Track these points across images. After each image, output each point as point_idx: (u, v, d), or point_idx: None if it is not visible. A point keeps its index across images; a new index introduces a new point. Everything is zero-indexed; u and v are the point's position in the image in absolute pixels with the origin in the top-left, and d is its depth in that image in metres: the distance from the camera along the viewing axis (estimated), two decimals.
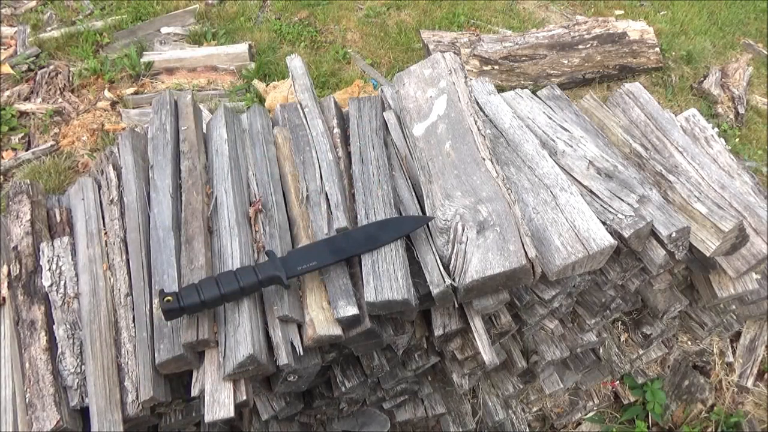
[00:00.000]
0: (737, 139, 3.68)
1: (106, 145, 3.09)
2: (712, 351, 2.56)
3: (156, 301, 1.38)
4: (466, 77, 1.69)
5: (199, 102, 3.29)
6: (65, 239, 1.56)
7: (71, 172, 3.00)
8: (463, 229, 1.41)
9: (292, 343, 1.36)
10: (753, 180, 1.98)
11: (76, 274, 1.51)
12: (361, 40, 4.03)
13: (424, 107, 1.66)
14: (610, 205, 1.61)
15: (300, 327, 1.40)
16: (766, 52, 4.32)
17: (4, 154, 3.11)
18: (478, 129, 1.58)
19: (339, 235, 1.46)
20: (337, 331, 1.38)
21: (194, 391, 1.35)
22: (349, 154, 1.70)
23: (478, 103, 1.85)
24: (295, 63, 1.85)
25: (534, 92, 2.01)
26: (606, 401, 2.46)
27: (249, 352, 1.26)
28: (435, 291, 1.40)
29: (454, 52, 1.94)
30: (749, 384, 2.60)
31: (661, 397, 2.42)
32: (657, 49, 3.85)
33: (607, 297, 1.78)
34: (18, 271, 1.50)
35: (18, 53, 3.67)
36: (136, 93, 3.46)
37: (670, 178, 1.76)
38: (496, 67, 3.63)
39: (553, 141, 1.79)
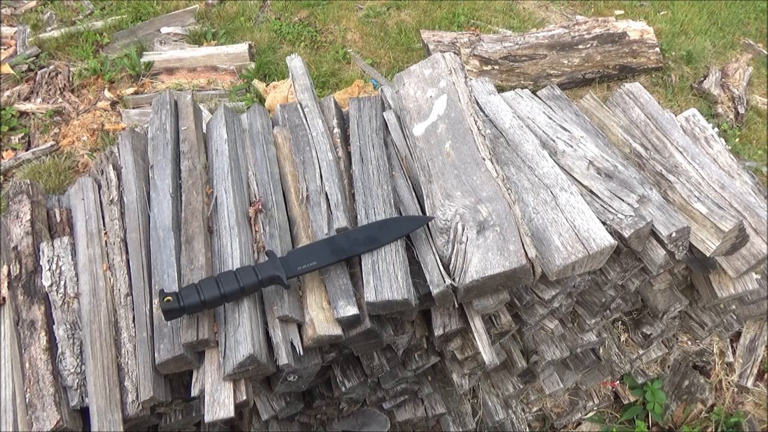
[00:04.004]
0: (737, 139, 3.68)
1: (106, 145, 3.09)
2: (712, 351, 2.56)
3: (156, 301, 1.38)
4: (466, 77, 1.69)
5: (199, 102, 3.30)
6: (65, 239, 1.56)
7: (71, 172, 3.00)
8: (463, 229, 1.41)
9: (292, 343, 1.36)
10: (753, 180, 1.98)
11: (76, 274, 1.51)
12: (361, 40, 4.03)
13: (424, 107, 1.66)
14: (610, 205, 1.61)
15: (300, 327, 1.40)
16: (766, 52, 4.32)
17: (4, 154, 3.11)
18: (478, 129, 1.58)
19: (339, 235, 1.46)
20: (337, 331, 1.38)
21: (194, 391, 1.35)
22: (349, 154, 1.70)
23: (478, 103, 1.85)
24: (295, 63, 1.85)
25: (534, 92, 2.01)
26: (606, 401, 2.46)
27: (249, 352, 1.26)
28: (435, 291, 1.40)
29: (454, 52, 1.94)
30: (749, 384, 2.60)
31: (661, 397, 2.42)
32: (657, 49, 3.85)
33: (607, 297, 1.78)
34: (18, 271, 1.50)
35: (18, 53, 3.67)
36: (136, 93, 3.46)
37: (670, 178, 1.75)
38: (496, 67, 3.63)
39: (553, 141, 1.79)
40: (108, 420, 1.31)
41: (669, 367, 2.48)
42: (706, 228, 1.66)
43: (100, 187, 1.67)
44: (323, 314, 1.38)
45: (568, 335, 1.96)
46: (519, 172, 1.67)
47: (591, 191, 1.66)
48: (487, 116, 1.84)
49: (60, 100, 3.39)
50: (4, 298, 1.49)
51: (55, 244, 1.54)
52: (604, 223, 1.53)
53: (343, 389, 1.65)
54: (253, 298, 1.37)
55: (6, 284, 1.49)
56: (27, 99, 3.41)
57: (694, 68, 4.04)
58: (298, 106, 1.77)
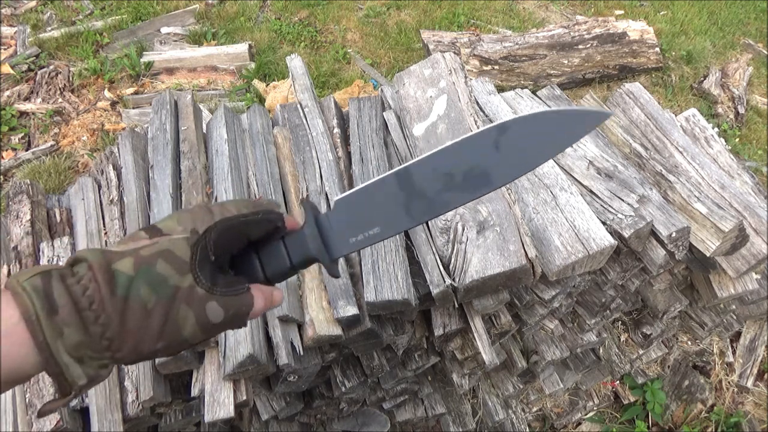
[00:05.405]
0: (737, 139, 3.68)
1: (106, 145, 3.09)
2: (712, 351, 2.56)
3: None
4: (466, 77, 1.69)
5: (199, 102, 3.30)
6: (65, 239, 1.56)
7: (71, 172, 3.00)
8: (463, 229, 1.41)
9: (292, 343, 1.36)
10: (753, 180, 1.98)
11: None
12: (361, 40, 4.03)
13: (424, 107, 1.66)
14: (610, 205, 1.61)
15: (300, 327, 1.40)
16: (766, 52, 4.32)
17: (4, 154, 3.11)
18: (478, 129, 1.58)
19: (414, 170, 0.69)
20: (337, 331, 1.38)
21: (194, 391, 1.35)
22: (349, 154, 1.70)
23: (478, 103, 1.85)
24: (295, 63, 1.85)
25: (534, 92, 2.01)
26: (606, 401, 2.46)
27: (249, 352, 1.26)
28: (435, 291, 1.40)
29: (454, 52, 1.94)
30: (749, 384, 2.60)
31: (661, 397, 2.42)
32: (657, 49, 3.85)
33: (607, 297, 1.78)
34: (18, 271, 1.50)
35: (18, 53, 3.67)
36: (136, 93, 3.47)
37: (670, 178, 1.76)
38: (496, 67, 3.63)
39: None
40: (108, 420, 1.31)
41: (669, 367, 2.48)
42: (706, 228, 1.66)
43: (100, 187, 1.67)
44: (323, 314, 1.38)
45: (568, 335, 1.96)
46: None
47: (591, 191, 1.66)
48: (487, 116, 1.84)
49: (60, 100, 3.39)
50: None
51: (55, 244, 1.54)
52: (604, 223, 1.53)
53: (343, 389, 1.65)
54: None
55: None
56: (27, 99, 3.41)
57: (694, 68, 4.04)
58: (298, 106, 1.77)
